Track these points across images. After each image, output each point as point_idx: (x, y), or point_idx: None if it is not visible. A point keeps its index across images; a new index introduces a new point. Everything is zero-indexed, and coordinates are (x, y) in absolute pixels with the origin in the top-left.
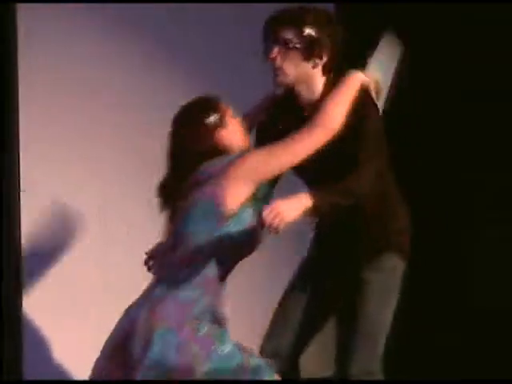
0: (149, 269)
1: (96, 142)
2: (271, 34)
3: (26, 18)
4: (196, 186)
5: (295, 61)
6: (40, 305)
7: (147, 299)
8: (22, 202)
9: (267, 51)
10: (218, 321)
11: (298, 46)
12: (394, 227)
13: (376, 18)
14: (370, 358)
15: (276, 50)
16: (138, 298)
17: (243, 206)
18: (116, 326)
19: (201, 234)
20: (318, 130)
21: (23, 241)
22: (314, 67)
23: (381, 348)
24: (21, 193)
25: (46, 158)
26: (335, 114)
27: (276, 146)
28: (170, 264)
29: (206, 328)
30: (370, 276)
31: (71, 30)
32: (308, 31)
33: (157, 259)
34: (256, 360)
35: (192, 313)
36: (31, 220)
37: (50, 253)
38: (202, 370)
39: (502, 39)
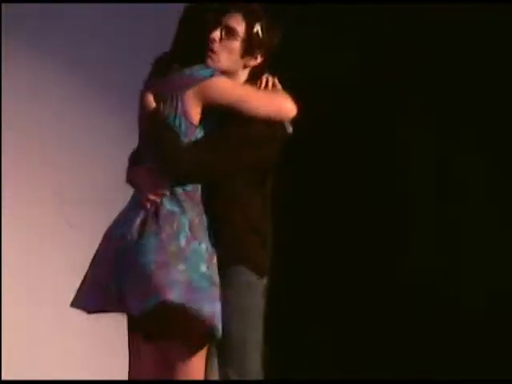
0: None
1: None
2: (221, 15)
3: None
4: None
5: (232, 52)
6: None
7: (138, 208)
8: None
9: (209, 28)
10: (197, 238)
11: (240, 38)
12: (246, 240)
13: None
14: (241, 370)
15: (218, 33)
16: (129, 208)
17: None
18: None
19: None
20: (282, 99)
21: None
22: (244, 65)
23: (251, 361)
24: None
25: None
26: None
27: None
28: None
29: (183, 242)
30: (223, 291)
31: None
32: (257, 29)
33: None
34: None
35: (173, 223)
36: None
37: None
38: (179, 267)
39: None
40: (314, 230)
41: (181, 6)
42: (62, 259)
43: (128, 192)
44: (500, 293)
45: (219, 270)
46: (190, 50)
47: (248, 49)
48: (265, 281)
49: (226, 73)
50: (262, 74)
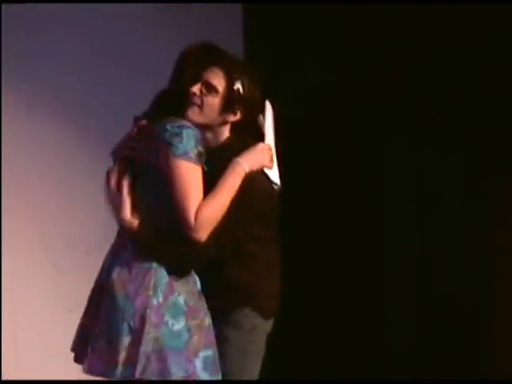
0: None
1: None
2: (198, 69)
3: None
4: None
5: (214, 107)
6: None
7: (116, 260)
8: None
9: (188, 82)
10: (174, 292)
11: (221, 94)
12: (252, 284)
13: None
14: None
15: (198, 87)
16: (112, 255)
17: None
18: (95, 281)
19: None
20: (185, 231)
21: None
22: (225, 120)
23: None
24: None
25: None
26: (204, 223)
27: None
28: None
29: (160, 298)
30: (227, 333)
31: None
32: (238, 86)
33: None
34: (204, 350)
35: (149, 282)
36: None
37: None
38: (149, 336)
39: None
40: (308, 234)
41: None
42: (49, 303)
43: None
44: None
45: (225, 310)
46: (170, 101)
47: (227, 105)
48: (271, 323)
49: (204, 127)
50: (247, 129)
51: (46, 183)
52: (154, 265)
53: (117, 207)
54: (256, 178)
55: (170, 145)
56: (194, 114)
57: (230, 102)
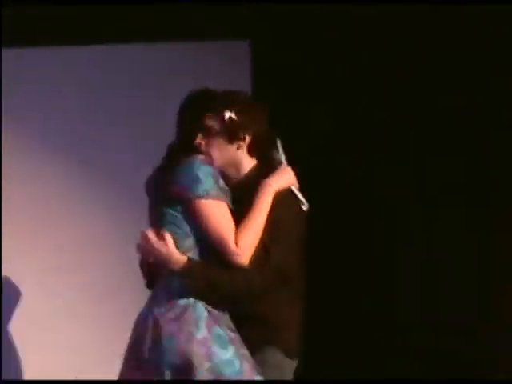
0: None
1: None
2: (192, 120)
3: None
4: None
5: (219, 145)
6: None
7: (152, 306)
8: None
9: (190, 136)
10: (216, 323)
11: (219, 131)
12: (275, 322)
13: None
14: None
15: (199, 136)
16: (147, 303)
17: None
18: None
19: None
20: (230, 258)
21: None
22: (238, 149)
23: None
24: None
25: None
26: (246, 246)
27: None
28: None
29: (204, 332)
30: None
31: None
32: (228, 115)
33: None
34: (258, 376)
35: (189, 317)
36: None
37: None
38: (202, 368)
39: None
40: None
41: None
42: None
43: (105, 259)
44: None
45: (251, 349)
46: (181, 153)
47: (230, 137)
48: (296, 362)
49: (225, 165)
50: (263, 147)
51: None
52: (192, 300)
53: (159, 249)
54: (286, 200)
55: (189, 188)
56: (209, 160)
57: (230, 132)
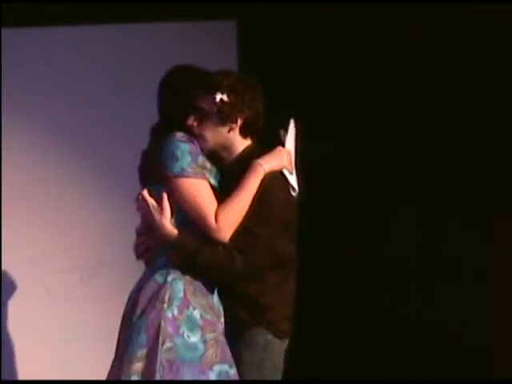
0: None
1: None
2: (182, 100)
3: None
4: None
5: (211, 126)
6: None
7: (137, 285)
8: None
9: (181, 116)
10: (190, 305)
11: (211, 112)
12: (264, 303)
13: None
14: None
15: (191, 117)
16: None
17: None
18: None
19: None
20: (210, 235)
21: None
22: (229, 131)
23: None
24: None
25: None
26: (226, 223)
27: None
28: (150, 248)
29: (175, 312)
30: (241, 350)
31: None
32: (219, 97)
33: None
34: (220, 364)
35: (163, 295)
36: None
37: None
38: (163, 346)
39: None
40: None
41: None
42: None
43: (106, 262)
44: None
45: (238, 327)
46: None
47: (223, 117)
48: (286, 342)
49: (218, 147)
50: (256, 129)
51: (42, 206)
52: (170, 278)
53: (157, 218)
54: (276, 182)
55: (167, 166)
56: (202, 141)
57: (223, 113)
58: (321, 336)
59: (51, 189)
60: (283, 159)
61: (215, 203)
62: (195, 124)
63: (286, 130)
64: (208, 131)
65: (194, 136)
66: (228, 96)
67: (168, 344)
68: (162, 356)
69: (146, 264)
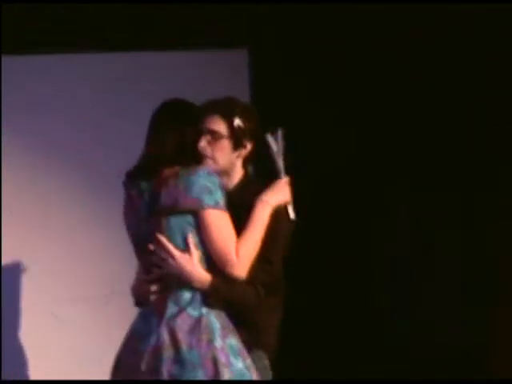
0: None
1: None
2: (201, 126)
3: None
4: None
5: (225, 150)
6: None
7: (163, 320)
8: None
9: (194, 138)
10: (227, 334)
11: (226, 136)
12: (263, 328)
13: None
14: None
15: (205, 139)
16: (146, 323)
17: None
18: (130, 348)
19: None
20: (229, 270)
21: None
22: (237, 157)
23: None
24: None
25: None
26: (245, 259)
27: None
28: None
29: (220, 341)
30: None
31: None
32: (237, 122)
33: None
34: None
35: (205, 328)
36: None
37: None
38: (225, 376)
39: None
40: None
41: None
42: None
43: (115, 288)
44: None
45: None
46: (177, 152)
47: (236, 142)
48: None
49: (224, 169)
50: (253, 158)
51: (54, 232)
52: (205, 311)
53: (183, 266)
54: (282, 216)
55: (201, 199)
56: (212, 163)
57: (237, 138)
58: (321, 336)
59: (62, 215)
60: (286, 193)
61: (234, 238)
62: (207, 145)
63: (278, 146)
64: (220, 154)
65: (203, 158)
66: (243, 121)
67: (226, 375)
68: None
69: (139, 303)
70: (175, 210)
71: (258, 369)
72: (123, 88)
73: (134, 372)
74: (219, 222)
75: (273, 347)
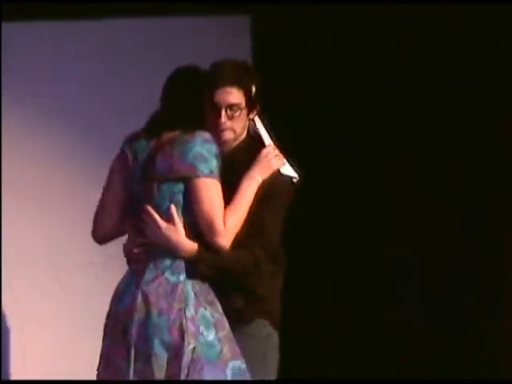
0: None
1: None
2: (216, 99)
3: None
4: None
5: (243, 119)
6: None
7: (138, 281)
8: None
9: (212, 115)
10: (202, 304)
11: (245, 106)
12: (262, 294)
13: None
14: None
15: (224, 114)
16: (127, 278)
17: None
18: (112, 308)
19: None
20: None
21: None
22: (248, 120)
23: None
24: None
25: None
26: (231, 229)
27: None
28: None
29: (192, 311)
30: (245, 345)
31: None
32: (253, 90)
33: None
34: (233, 361)
35: (180, 295)
36: None
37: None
38: (190, 346)
39: None
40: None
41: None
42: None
43: (119, 255)
44: None
45: (243, 320)
46: (184, 112)
47: (251, 108)
48: (277, 333)
49: (240, 135)
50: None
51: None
52: (182, 278)
53: (169, 236)
54: (277, 181)
55: (195, 166)
56: (229, 137)
57: (252, 106)
58: (320, 336)
59: (64, 180)
60: (271, 162)
61: (223, 207)
62: (228, 120)
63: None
64: (238, 124)
65: (222, 131)
66: (256, 87)
67: (192, 344)
68: (188, 356)
69: (129, 262)
70: (169, 176)
71: (260, 337)
72: (125, 55)
73: (112, 332)
74: (211, 190)
75: (276, 314)
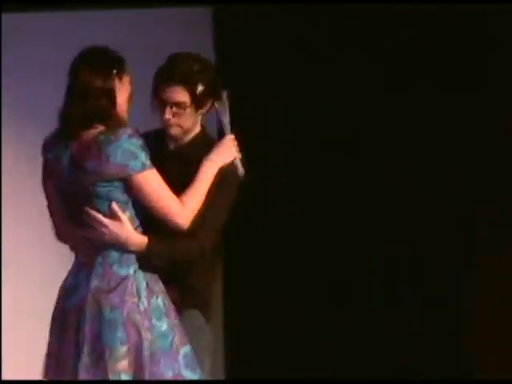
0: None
1: None
2: (162, 95)
3: None
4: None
5: (189, 115)
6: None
7: (85, 277)
8: None
9: (159, 110)
10: (153, 294)
11: (190, 103)
12: (198, 286)
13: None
14: None
15: (169, 111)
16: (72, 275)
17: None
18: (60, 305)
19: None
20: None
21: None
22: (199, 115)
23: None
24: None
25: None
26: (188, 212)
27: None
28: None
29: (145, 303)
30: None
31: None
32: (200, 88)
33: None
34: (183, 347)
35: (131, 289)
36: None
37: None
38: (147, 339)
39: None
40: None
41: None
42: None
43: None
44: None
45: (177, 310)
46: (96, 107)
47: (199, 105)
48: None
49: (187, 130)
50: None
51: None
52: (131, 271)
53: (117, 233)
54: (230, 174)
55: (126, 165)
56: (176, 132)
57: (200, 102)
58: (320, 336)
59: None
60: (232, 151)
61: (170, 191)
62: (172, 117)
63: (224, 105)
64: (184, 120)
65: (168, 125)
66: (204, 84)
67: (149, 337)
68: (147, 351)
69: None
70: (101, 178)
71: (194, 328)
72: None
73: (61, 329)
74: (151, 183)
75: (208, 307)
